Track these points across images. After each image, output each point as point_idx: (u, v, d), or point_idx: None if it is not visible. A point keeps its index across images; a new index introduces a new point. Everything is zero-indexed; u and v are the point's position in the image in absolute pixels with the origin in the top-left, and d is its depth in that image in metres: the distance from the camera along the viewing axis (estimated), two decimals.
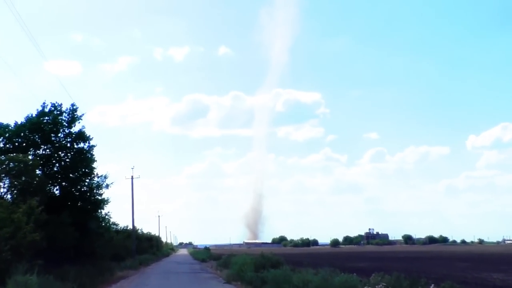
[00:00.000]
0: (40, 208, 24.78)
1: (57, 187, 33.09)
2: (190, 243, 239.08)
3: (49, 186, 31.39)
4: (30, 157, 30.08)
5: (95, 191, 34.82)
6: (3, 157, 28.16)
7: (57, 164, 33.16)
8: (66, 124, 33.44)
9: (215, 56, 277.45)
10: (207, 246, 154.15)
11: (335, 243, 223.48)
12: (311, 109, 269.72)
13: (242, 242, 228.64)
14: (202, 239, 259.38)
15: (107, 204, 35.94)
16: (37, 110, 32.95)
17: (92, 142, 34.25)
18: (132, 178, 61.32)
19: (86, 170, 34.03)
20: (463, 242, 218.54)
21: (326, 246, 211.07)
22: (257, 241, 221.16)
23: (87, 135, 34.37)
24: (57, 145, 33.08)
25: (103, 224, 37.64)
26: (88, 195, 34.48)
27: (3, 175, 27.14)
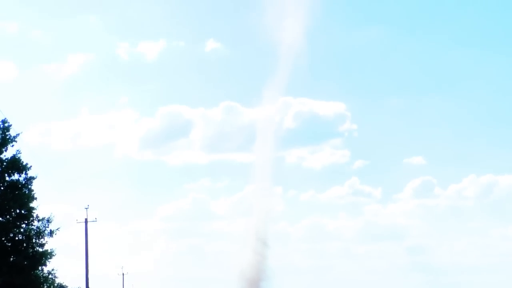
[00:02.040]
0: None
1: None
2: None
3: None
4: None
5: (34, 240, 30.50)
6: None
7: None
8: None
9: (201, 53, 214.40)
10: None
11: None
12: (332, 124, 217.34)
13: None
14: None
15: (51, 258, 31.35)
16: None
17: (30, 173, 30.36)
18: (86, 221, 50.53)
19: (22, 212, 29.98)
20: None
21: None
22: None
23: (24, 163, 30.15)
24: None
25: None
26: (25, 246, 30.29)
27: None
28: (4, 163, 29.32)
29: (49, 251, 31.27)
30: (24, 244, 30.15)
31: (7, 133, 29.25)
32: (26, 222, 30.11)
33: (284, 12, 52.08)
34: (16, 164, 29.49)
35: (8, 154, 29.57)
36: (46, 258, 31.17)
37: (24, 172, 29.81)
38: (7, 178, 29.48)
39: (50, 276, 32.47)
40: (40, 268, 31.47)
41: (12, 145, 29.55)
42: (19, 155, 29.66)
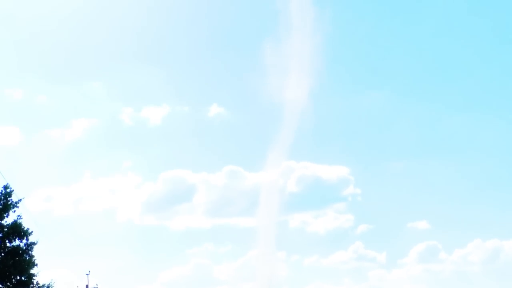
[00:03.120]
0: None
1: None
2: None
3: None
4: None
5: None
6: None
7: None
8: None
9: (204, 118, 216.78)
10: None
11: None
12: (336, 189, 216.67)
13: None
14: None
15: None
16: None
17: (31, 238, 29.52)
18: None
19: (22, 278, 29.01)
20: None
21: None
22: None
23: (25, 229, 29.41)
24: None
25: None
26: None
27: None
28: (5, 229, 28.72)
29: None
30: None
31: (9, 199, 28.79)
32: None
33: (286, 77, 52.39)
34: (17, 230, 28.89)
35: (9, 219, 29.03)
36: None
37: (25, 238, 29.15)
38: (8, 244, 28.82)
39: None
40: None
41: (14, 211, 29.01)
42: (20, 221, 29.08)
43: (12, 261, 28.35)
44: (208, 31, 77.65)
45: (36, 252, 29.55)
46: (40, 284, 29.85)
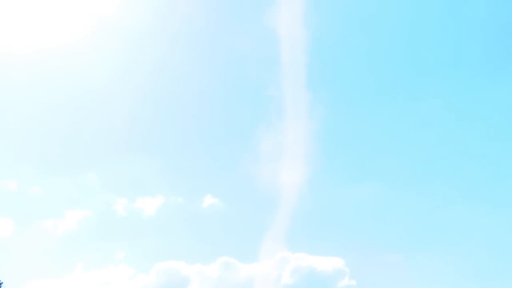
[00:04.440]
0: None
1: None
2: None
3: None
4: None
5: None
6: None
7: None
8: None
9: (198, 209, 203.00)
10: None
11: None
12: (331, 280, 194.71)
13: None
14: None
15: None
16: None
17: None
18: None
19: None
20: None
21: None
22: None
23: None
24: None
25: None
26: None
27: None
28: None
29: None
30: None
31: None
32: None
33: (281, 165, 50.51)
34: None
35: None
36: None
37: None
38: None
39: None
40: None
41: None
42: None
43: None
44: (201, 120, 74.22)
45: None
46: None
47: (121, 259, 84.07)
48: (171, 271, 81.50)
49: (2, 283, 26.45)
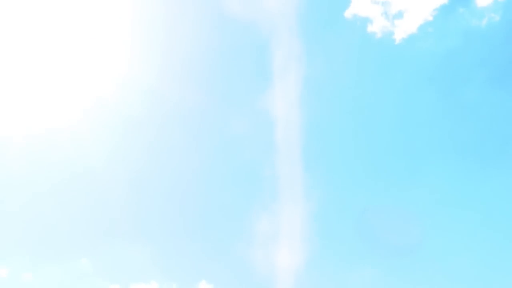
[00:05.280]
0: None
1: None
2: None
3: None
4: None
5: None
6: None
7: None
8: None
9: None
10: None
11: None
12: None
13: None
14: None
15: None
16: None
17: None
18: None
19: None
20: None
21: None
22: None
23: None
24: None
25: None
26: None
27: None
28: None
29: None
30: None
31: None
32: None
33: (277, 248, 50.09)
34: None
35: None
36: None
37: None
38: None
39: None
40: None
41: None
42: None
43: None
44: (195, 204, 73.78)
45: None
46: None
47: None
48: None
49: None
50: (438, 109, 54.12)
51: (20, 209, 79.30)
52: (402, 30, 52.76)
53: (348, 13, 52.78)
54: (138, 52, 52.42)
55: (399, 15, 52.76)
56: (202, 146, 52.83)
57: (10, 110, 54.13)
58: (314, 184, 51.46)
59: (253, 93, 50.92)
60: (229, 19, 51.36)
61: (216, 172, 56.40)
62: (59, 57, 52.98)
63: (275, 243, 49.81)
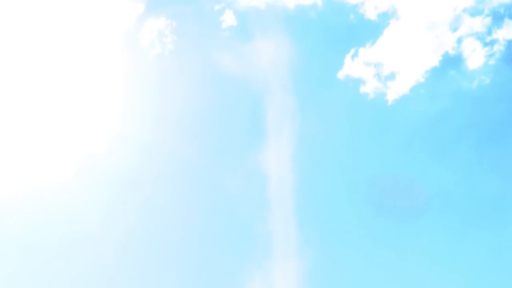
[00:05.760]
0: None
1: None
2: None
3: None
4: None
5: None
6: None
7: None
8: None
9: None
10: None
11: None
12: None
13: None
14: None
15: None
16: None
17: None
18: None
19: None
20: None
21: None
22: None
23: None
24: None
25: None
26: None
27: None
28: None
29: None
30: None
31: None
32: None
33: None
34: None
35: None
36: None
37: None
38: None
39: None
40: None
41: None
42: None
43: None
44: (188, 263, 72.57)
45: None
46: None
47: None
48: None
49: None
50: (429, 168, 54.50)
51: (11, 269, 77.70)
52: (395, 91, 53.08)
53: (341, 74, 53.21)
54: (131, 108, 52.47)
55: (392, 76, 53.21)
56: (194, 203, 52.48)
57: None
58: (307, 242, 51.12)
59: (246, 150, 51.02)
60: (223, 76, 51.84)
61: (208, 229, 56.02)
62: (49, 111, 52.87)
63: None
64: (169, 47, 53.38)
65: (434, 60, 52.66)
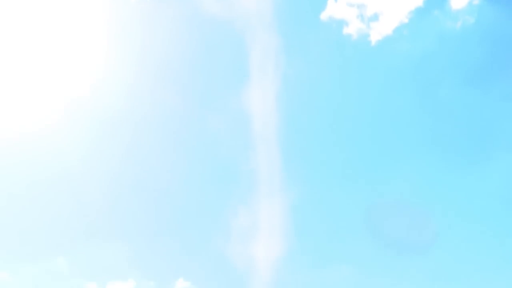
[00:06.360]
0: None
1: None
2: None
3: None
4: None
5: None
6: None
7: None
8: None
9: None
10: None
11: None
12: None
13: None
14: None
15: None
16: None
17: None
18: None
19: None
20: None
21: None
22: None
23: None
24: None
25: None
26: None
27: None
28: None
29: None
30: None
31: None
32: None
33: (253, 245, 49.94)
34: None
35: None
36: None
37: None
38: None
39: None
40: None
41: None
42: None
43: None
44: (172, 200, 72.82)
45: None
46: None
47: None
48: None
49: None
50: (413, 108, 54.78)
51: None
52: (378, 32, 53.09)
53: (324, 15, 53.05)
54: (114, 52, 52.40)
55: (375, 17, 53.19)
56: (179, 143, 52.86)
57: None
58: (291, 179, 51.63)
59: (230, 91, 51.11)
60: (207, 18, 51.62)
61: (194, 169, 56.54)
62: (35, 57, 52.77)
63: (253, 239, 49.77)
64: None
65: (418, 0, 52.60)
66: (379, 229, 77.78)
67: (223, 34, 52.34)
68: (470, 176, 53.10)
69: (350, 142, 56.39)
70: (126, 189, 64.91)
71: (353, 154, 58.04)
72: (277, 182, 49.14)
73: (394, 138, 58.32)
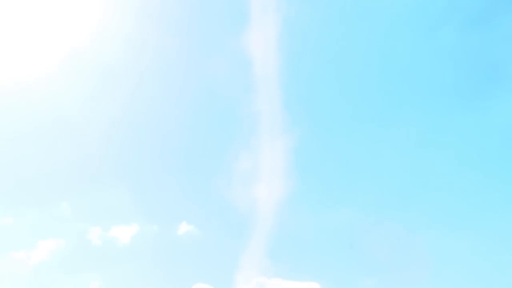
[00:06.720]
0: None
1: None
2: None
3: None
4: None
5: None
6: None
7: None
8: None
9: (173, 236, 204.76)
10: None
11: None
12: None
13: None
14: None
15: None
16: None
17: None
18: None
19: None
20: None
21: None
22: None
23: None
24: None
25: None
26: None
27: None
28: None
29: None
30: None
31: None
32: None
33: (257, 187, 50.03)
34: None
35: None
36: None
37: None
38: None
39: None
40: None
41: None
42: None
43: None
44: (174, 144, 73.09)
45: None
46: None
47: None
48: None
49: None
50: (415, 51, 54.69)
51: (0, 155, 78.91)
52: None
53: None
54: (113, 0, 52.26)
55: None
56: (180, 87, 52.84)
57: None
58: (293, 121, 51.74)
59: (232, 33, 50.78)
60: None
61: (195, 112, 56.61)
62: (35, 7, 52.70)
63: (255, 181, 50.10)
64: None
65: None
66: (381, 171, 78.21)
67: None
68: (472, 118, 53.36)
69: (352, 84, 56.50)
70: (128, 134, 65.08)
71: (355, 95, 58.28)
72: (279, 124, 49.13)
73: (397, 80, 58.55)
